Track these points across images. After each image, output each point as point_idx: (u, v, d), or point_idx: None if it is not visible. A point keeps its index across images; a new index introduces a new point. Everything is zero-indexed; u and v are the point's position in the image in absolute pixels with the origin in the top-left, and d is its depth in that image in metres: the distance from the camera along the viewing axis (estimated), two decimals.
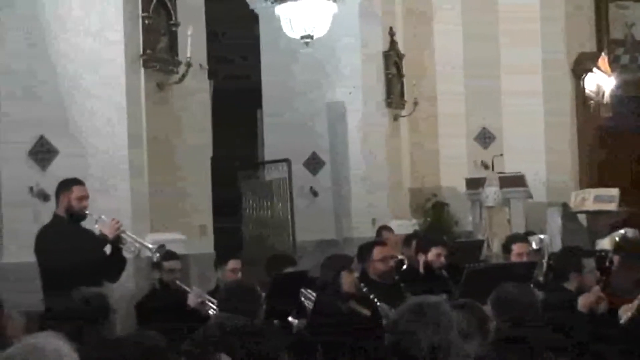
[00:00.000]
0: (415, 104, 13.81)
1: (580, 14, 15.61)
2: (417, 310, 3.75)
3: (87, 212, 7.40)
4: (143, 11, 9.11)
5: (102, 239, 7.37)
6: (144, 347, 3.80)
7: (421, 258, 9.42)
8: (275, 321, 7.25)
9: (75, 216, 7.39)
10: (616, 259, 8.66)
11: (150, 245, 7.58)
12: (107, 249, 7.49)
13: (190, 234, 9.47)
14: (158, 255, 7.59)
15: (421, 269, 9.36)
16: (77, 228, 7.45)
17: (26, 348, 3.19)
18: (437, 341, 3.67)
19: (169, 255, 7.88)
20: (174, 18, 9.48)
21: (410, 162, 14.21)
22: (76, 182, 7.50)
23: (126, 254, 7.54)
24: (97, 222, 7.41)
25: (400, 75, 13.66)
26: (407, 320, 3.73)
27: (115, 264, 7.50)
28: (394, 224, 11.70)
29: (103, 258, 7.40)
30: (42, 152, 8.94)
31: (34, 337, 3.25)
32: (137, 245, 7.51)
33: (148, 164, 9.08)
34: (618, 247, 9.16)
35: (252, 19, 12.90)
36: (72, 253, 7.16)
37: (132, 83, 9.00)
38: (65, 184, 7.52)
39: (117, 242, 7.39)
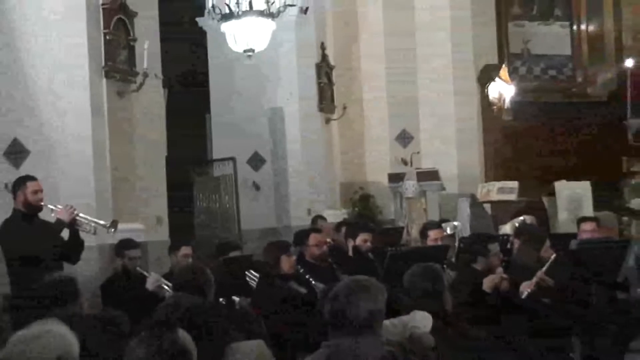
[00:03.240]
0: (344, 108, 13.84)
1: (485, 31, 15.70)
2: (357, 285, 3.78)
3: (42, 203, 7.28)
4: (105, 28, 9.06)
5: (58, 225, 7.29)
6: (109, 324, 3.72)
7: (350, 243, 9.41)
8: (221, 299, 7.18)
9: (32, 208, 7.27)
10: (516, 242, 8.68)
11: (102, 222, 7.51)
12: (66, 234, 7.40)
13: (148, 224, 9.43)
14: (112, 229, 7.56)
15: (350, 252, 9.34)
16: (33, 219, 7.31)
17: (34, 333, 3.12)
18: (373, 309, 3.68)
19: (130, 244, 7.85)
20: (132, 34, 9.43)
21: (340, 160, 14.19)
22: (30, 178, 7.38)
23: (84, 235, 7.46)
24: (52, 212, 7.31)
25: (330, 83, 13.64)
26: (348, 292, 3.75)
27: (74, 246, 7.41)
28: (327, 214, 11.66)
29: (61, 243, 7.33)
30: (15, 153, 8.81)
31: (41, 324, 3.21)
32: (92, 224, 7.44)
33: (110, 163, 8.99)
34: (518, 232, 9.16)
35: (202, 35, 12.83)
36: (31, 241, 7.07)
37: (95, 91, 8.92)
38: (20, 181, 7.40)
39: (73, 225, 7.32)
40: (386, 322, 4.22)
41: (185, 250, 8.17)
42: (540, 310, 7.14)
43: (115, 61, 9.18)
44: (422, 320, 4.67)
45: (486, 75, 15.21)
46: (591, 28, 17.61)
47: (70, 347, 3.22)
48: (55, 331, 3.21)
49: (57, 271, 6.76)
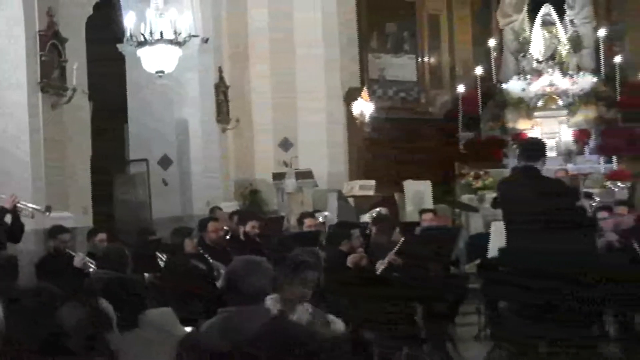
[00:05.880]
0: (237, 121, 13.78)
1: (350, 61, 15.80)
2: (248, 263, 3.79)
3: None
4: (41, 50, 8.94)
5: (2, 212, 7.26)
6: (43, 295, 3.66)
7: (241, 229, 9.40)
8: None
9: None
10: (373, 228, 8.79)
11: (38, 207, 7.50)
12: (8, 218, 7.38)
13: (76, 212, 9.28)
14: (47, 213, 7.57)
15: (242, 237, 9.33)
16: None
17: None
18: (261, 283, 3.70)
19: (61, 229, 7.72)
20: (63, 56, 9.28)
21: (234, 161, 14.12)
22: None
23: (24, 218, 7.44)
24: None
25: (226, 100, 13.56)
26: (241, 269, 3.76)
27: (17, 228, 7.36)
28: (222, 205, 11.61)
29: (6, 226, 7.29)
30: None
31: None
32: (30, 209, 7.38)
33: (45, 163, 8.85)
34: (375, 220, 9.29)
35: (121, 58, 12.64)
36: None
37: (32, 103, 8.81)
38: None
39: (15, 211, 7.25)
40: None
41: (101, 235, 8.10)
42: (391, 283, 7.24)
43: (50, 78, 9.03)
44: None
45: (351, 95, 15.30)
46: (432, 60, 17.92)
47: None
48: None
49: (2, 251, 6.66)
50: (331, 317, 4.58)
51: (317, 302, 4.79)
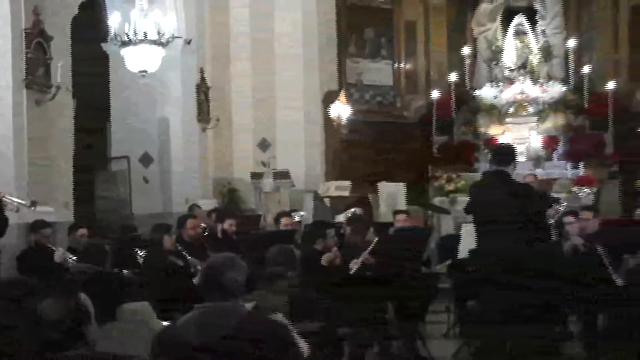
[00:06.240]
0: (217, 120, 13.72)
1: (328, 65, 15.81)
2: (225, 260, 3.78)
3: None
4: (26, 48, 8.87)
5: None
6: (24, 287, 3.62)
7: (219, 226, 9.38)
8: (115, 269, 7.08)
9: None
10: (348, 228, 8.80)
11: (23, 202, 7.38)
12: None
13: (58, 207, 9.21)
14: (33, 207, 7.42)
15: (219, 234, 9.31)
16: None
17: None
18: (237, 279, 3.69)
19: (43, 224, 7.67)
20: (48, 54, 9.21)
21: (213, 160, 14.09)
22: None
23: (9, 212, 7.24)
24: None
25: (207, 100, 13.52)
26: (218, 265, 3.74)
27: (1, 222, 7.15)
28: (201, 203, 11.53)
29: None
30: None
31: None
32: (15, 204, 7.28)
33: (28, 158, 8.79)
34: (349, 221, 9.31)
35: (105, 57, 12.57)
36: None
37: (17, 99, 8.74)
38: None
39: (0, 205, 7.14)
40: None
41: (82, 231, 8.08)
42: (364, 281, 7.26)
43: (34, 75, 8.96)
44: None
45: (329, 98, 15.32)
46: (408, 66, 17.95)
47: None
48: None
49: None
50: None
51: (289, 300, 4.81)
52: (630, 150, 15.31)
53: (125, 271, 7.26)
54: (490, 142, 15.90)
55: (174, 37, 10.87)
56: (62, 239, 8.49)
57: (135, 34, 10.36)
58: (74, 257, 7.00)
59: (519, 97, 16.50)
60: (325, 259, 7.31)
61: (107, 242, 6.62)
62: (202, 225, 9.18)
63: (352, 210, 11.27)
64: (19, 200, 7.38)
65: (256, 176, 13.59)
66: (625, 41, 16.97)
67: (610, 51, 17.09)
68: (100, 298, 4.23)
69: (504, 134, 16.29)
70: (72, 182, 10.01)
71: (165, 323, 4.39)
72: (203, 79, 13.43)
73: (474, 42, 17.62)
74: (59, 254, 7.34)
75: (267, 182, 13.23)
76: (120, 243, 7.60)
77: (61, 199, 9.56)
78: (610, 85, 15.91)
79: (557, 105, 16.47)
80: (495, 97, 16.63)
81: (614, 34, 17.07)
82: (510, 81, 16.65)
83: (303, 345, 4.09)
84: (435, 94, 16.78)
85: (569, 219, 8.11)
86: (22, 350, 3.10)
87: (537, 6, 17.23)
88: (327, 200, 13.47)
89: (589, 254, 7.05)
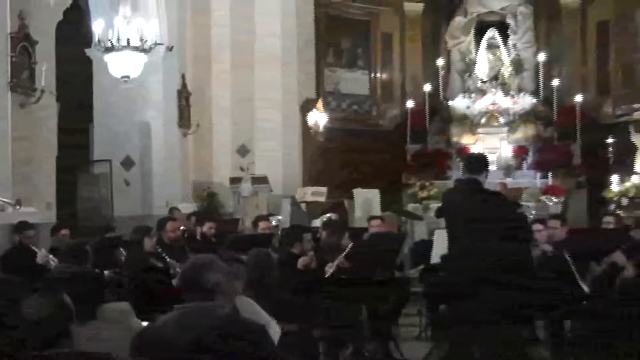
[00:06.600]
0: (198, 126, 13.68)
1: (307, 74, 15.81)
2: (204, 261, 3.76)
3: None
4: (11, 51, 8.83)
5: None
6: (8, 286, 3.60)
7: (198, 229, 9.34)
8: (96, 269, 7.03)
9: None
10: (324, 233, 8.79)
11: (8, 200, 7.35)
12: None
13: (40, 208, 9.14)
14: (18, 207, 7.38)
15: (198, 237, 9.28)
16: None
17: None
18: (216, 280, 3.67)
19: (27, 225, 7.61)
20: (33, 58, 9.16)
21: (193, 165, 14.04)
22: None
23: None
24: None
25: (188, 106, 13.50)
26: (197, 266, 3.73)
27: None
28: (181, 206, 11.53)
29: None
30: None
31: None
32: (1, 203, 7.23)
33: (12, 160, 8.74)
34: (325, 225, 9.29)
35: (89, 62, 12.51)
36: None
37: (2, 102, 8.70)
38: None
39: None
40: None
41: (64, 231, 8.01)
42: (339, 285, 7.25)
43: (19, 79, 8.92)
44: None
45: (307, 106, 15.33)
46: (384, 76, 18.04)
47: None
48: None
49: None
50: (268, 318, 4.59)
51: (263, 300, 4.80)
52: (597, 161, 15.47)
53: (105, 272, 7.21)
54: (462, 151, 15.99)
55: (156, 44, 10.87)
56: (45, 238, 8.42)
57: (118, 40, 10.33)
58: (55, 259, 6.95)
59: (490, 108, 16.63)
60: (301, 263, 7.29)
61: (88, 242, 6.56)
62: (182, 227, 9.16)
63: (328, 215, 11.28)
64: (4, 200, 7.34)
65: (235, 181, 13.55)
66: (592, 56, 17.17)
67: (578, 65, 17.28)
68: (80, 297, 4.20)
69: (475, 144, 16.39)
70: (55, 183, 9.94)
71: (144, 323, 4.36)
72: (184, 85, 13.41)
73: (448, 54, 17.73)
74: (42, 255, 7.28)
75: (246, 187, 13.20)
76: (101, 244, 7.54)
77: (44, 200, 9.49)
78: (578, 98, 16.08)
79: (527, 116, 16.62)
80: (468, 107, 16.74)
81: (582, 49, 17.26)
82: (483, 92, 16.77)
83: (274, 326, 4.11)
84: (410, 104, 16.90)
85: (537, 227, 8.16)
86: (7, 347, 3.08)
87: (509, 21, 17.38)
88: (303, 205, 13.46)
89: (556, 261, 7.10)
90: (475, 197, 6.22)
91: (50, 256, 7.23)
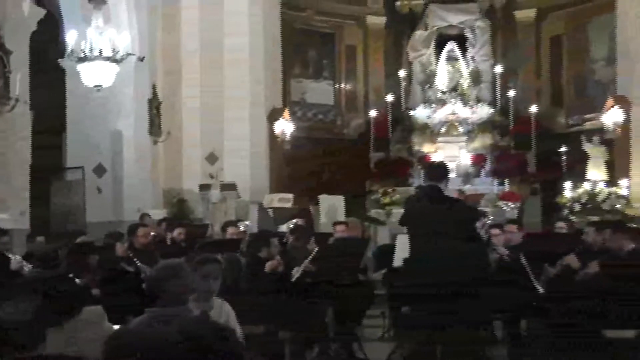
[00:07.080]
0: (168, 133, 13.63)
1: (274, 85, 15.78)
2: (173, 266, 3.76)
3: None
4: None
5: None
6: None
7: (168, 235, 9.29)
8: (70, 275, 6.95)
9: None
10: (291, 238, 8.80)
11: None
12: None
13: (14, 215, 9.04)
14: None
15: (169, 242, 9.22)
16: None
17: None
18: (183, 284, 3.66)
19: (1, 232, 7.50)
20: (7, 67, 9.13)
21: (164, 172, 13.95)
22: None
23: None
24: None
25: (159, 114, 13.44)
26: (166, 271, 3.72)
27: None
28: (152, 212, 11.44)
29: None
30: None
31: None
32: None
33: None
34: (292, 231, 9.31)
35: (62, 71, 12.40)
36: None
37: None
38: None
39: None
40: None
41: (40, 238, 7.94)
42: (305, 288, 7.25)
43: None
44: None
45: (274, 115, 15.31)
46: (348, 86, 18.12)
47: None
48: None
49: None
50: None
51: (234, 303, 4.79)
52: (551, 169, 15.66)
53: (77, 279, 7.14)
54: (423, 159, 16.09)
55: (127, 54, 10.79)
56: (19, 244, 8.32)
57: (91, 50, 10.26)
58: (30, 265, 6.88)
59: (450, 117, 16.76)
60: (268, 266, 7.28)
61: (61, 247, 6.50)
62: (152, 233, 9.08)
63: (295, 220, 11.26)
64: None
65: (204, 187, 13.50)
66: (546, 69, 17.45)
67: (533, 77, 17.53)
68: (52, 301, 4.15)
69: (436, 152, 16.50)
70: (28, 190, 9.83)
71: (116, 326, 4.32)
72: (155, 94, 13.35)
73: (409, 66, 17.85)
74: (15, 262, 7.19)
75: (215, 194, 13.15)
76: (73, 249, 7.46)
77: (17, 207, 9.38)
78: (533, 108, 16.26)
79: (485, 126, 16.77)
80: (429, 117, 16.86)
81: (537, 62, 17.52)
82: (443, 103, 16.90)
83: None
84: (373, 113, 17.01)
85: (494, 231, 8.23)
86: None
87: (468, 34, 17.55)
88: (271, 211, 13.45)
89: (512, 263, 7.17)
90: (436, 204, 6.26)
91: (24, 262, 7.14)
